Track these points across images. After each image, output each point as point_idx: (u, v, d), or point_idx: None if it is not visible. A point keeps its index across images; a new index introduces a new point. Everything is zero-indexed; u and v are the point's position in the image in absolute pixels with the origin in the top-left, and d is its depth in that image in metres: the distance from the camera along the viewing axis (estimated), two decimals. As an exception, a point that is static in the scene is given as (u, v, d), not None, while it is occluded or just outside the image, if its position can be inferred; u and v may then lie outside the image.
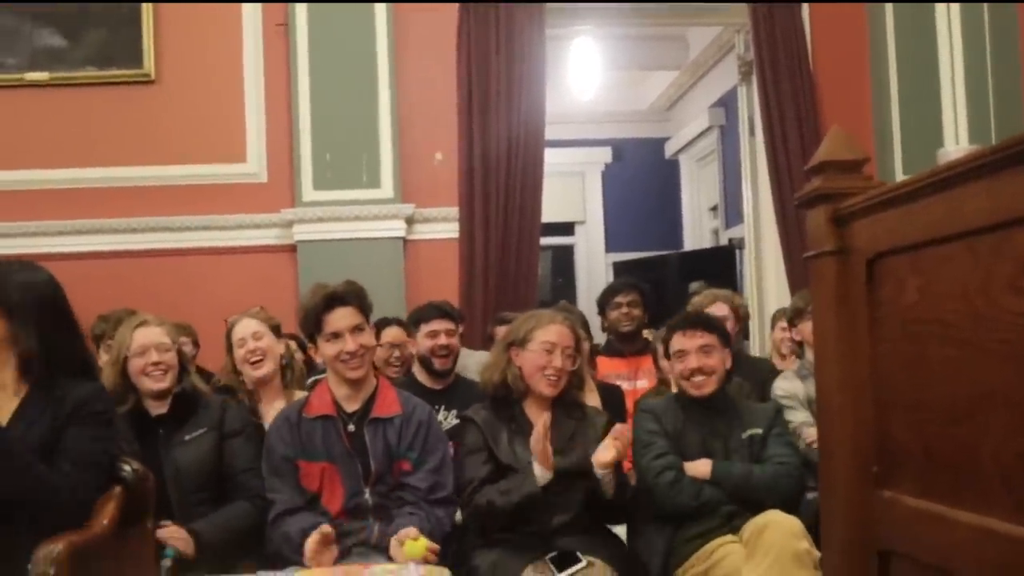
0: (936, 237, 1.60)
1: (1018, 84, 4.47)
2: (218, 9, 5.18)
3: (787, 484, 2.96)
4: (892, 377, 1.76)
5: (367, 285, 3.04)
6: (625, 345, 4.42)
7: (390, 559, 2.72)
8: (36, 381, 2.18)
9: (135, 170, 5.11)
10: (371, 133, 5.06)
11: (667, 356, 3.28)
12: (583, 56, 7.91)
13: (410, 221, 5.13)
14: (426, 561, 2.65)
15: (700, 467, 3.00)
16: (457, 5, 5.21)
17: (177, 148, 5.13)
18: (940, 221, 1.59)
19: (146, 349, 2.98)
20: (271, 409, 3.25)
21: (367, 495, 2.87)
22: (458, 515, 3.09)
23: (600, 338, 4.73)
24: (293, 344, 3.64)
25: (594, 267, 9.50)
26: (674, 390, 3.36)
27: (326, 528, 2.71)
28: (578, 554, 2.78)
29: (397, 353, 4.08)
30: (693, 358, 3.10)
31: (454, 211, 5.19)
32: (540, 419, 2.84)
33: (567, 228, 9.57)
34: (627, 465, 3.28)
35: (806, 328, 3.64)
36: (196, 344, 4.32)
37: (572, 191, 9.43)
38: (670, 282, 7.74)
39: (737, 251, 7.39)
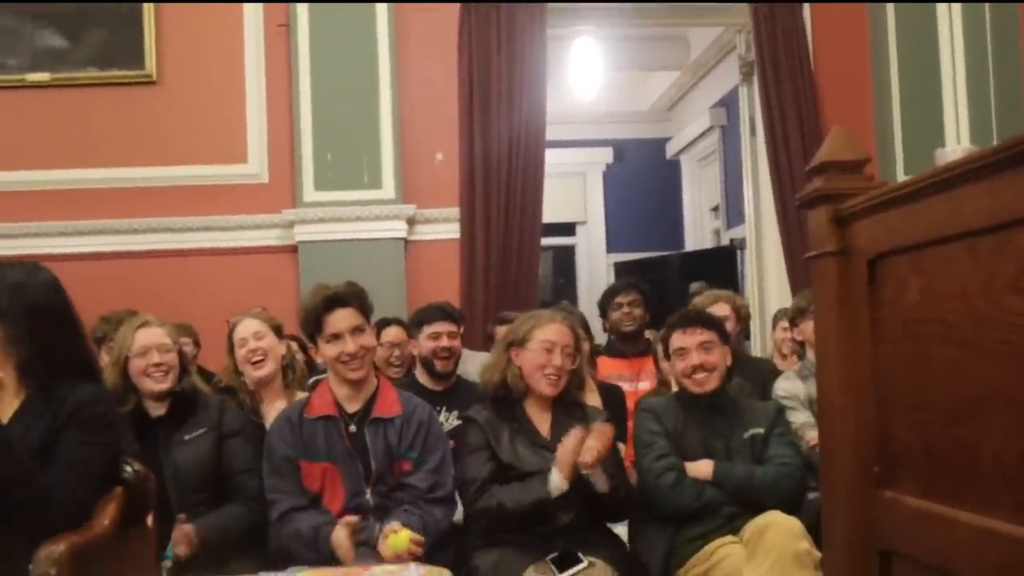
0: (937, 237, 1.60)
1: (1019, 84, 4.47)
2: (219, 9, 5.18)
3: (789, 485, 2.95)
4: (893, 377, 1.76)
5: (368, 286, 3.04)
6: (627, 346, 4.42)
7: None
8: (36, 384, 2.17)
9: (136, 171, 5.11)
10: (372, 134, 5.07)
11: (667, 356, 3.26)
12: (584, 56, 7.91)
13: (411, 222, 5.13)
14: (411, 553, 2.66)
15: (701, 468, 2.99)
16: (458, 5, 5.22)
17: (178, 149, 5.14)
18: (941, 221, 1.59)
19: (147, 350, 2.98)
20: (272, 409, 3.25)
21: (368, 495, 2.87)
22: (458, 515, 3.09)
23: (602, 339, 4.73)
24: (294, 345, 3.64)
25: (595, 267, 9.50)
26: (674, 390, 3.36)
27: (352, 519, 2.72)
28: (579, 554, 2.78)
29: (397, 353, 4.09)
30: (694, 355, 3.09)
31: (455, 211, 5.19)
32: (572, 431, 2.83)
33: (568, 228, 9.56)
34: (628, 463, 3.29)
35: (808, 328, 3.63)
36: (197, 344, 4.33)
37: (573, 191, 9.43)
38: (671, 282, 7.74)
39: (738, 251, 7.39)
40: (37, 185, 5.09)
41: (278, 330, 3.44)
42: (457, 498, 3.06)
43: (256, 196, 5.14)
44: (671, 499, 2.95)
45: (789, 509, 2.84)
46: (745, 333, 4.88)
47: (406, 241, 5.12)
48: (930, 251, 1.63)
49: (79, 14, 5.11)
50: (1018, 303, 1.41)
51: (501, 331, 3.78)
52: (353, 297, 2.94)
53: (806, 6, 5.45)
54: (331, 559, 2.75)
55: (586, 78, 8.26)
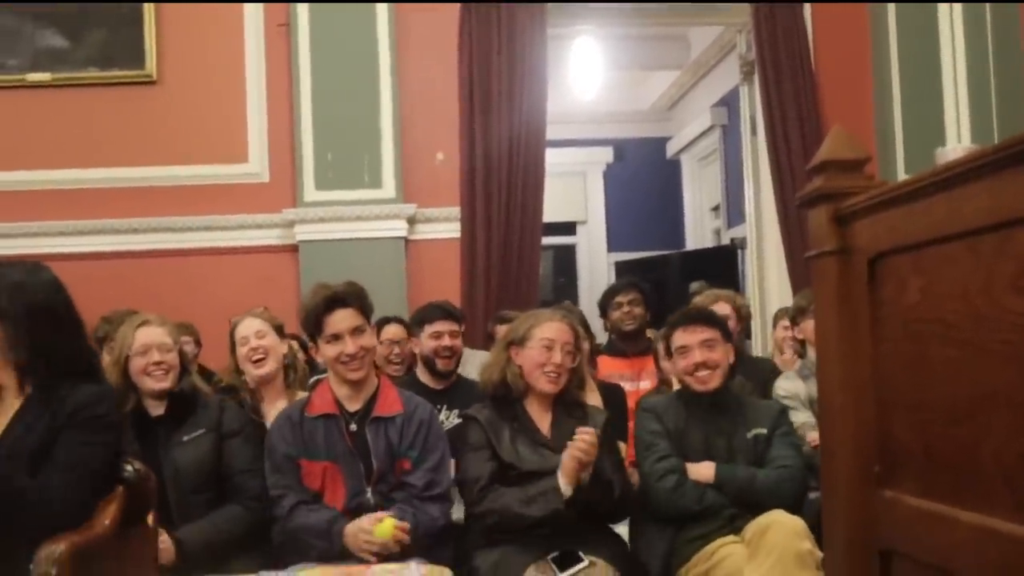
0: (938, 237, 1.60)
1: (1020, 84, 4.47)
2: (220, 9, 5.18)
3: (791, 489, 2.93)
4: (894, 377, 1.75)
5: (369, 285, 3.05)
6: (628, 345, 4.41)
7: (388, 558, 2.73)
8: (38, 384, 2.17)
9: (137, 171, 5.12)
10: (373, 133, 5.07)
11: (668, 354, 3.25)
12: (585, 56, 7.91)
13: (412, 221, 5.13)
14: (396, 539, 2.68)
15: (703, 470, 2.97)
16: (459, 5, 5.21)
17: (179, 148, 5.14)
18: (942, 221, 1.59)
19: (148, 349, 2.98)
20: (273, 409, 3.25)
21: (369, 494, 2.87)
22: (459, 513, 3.09)
23: (603, 338, 4.73)
24: (295, 344, 3.64)
25: (596, 267, 9.50)
26: (675, 388, 3.35)
27: (380, 515, 2.75)
28: (580, 554, 2.78)
29: (397, 350, 4.09)
30: (696, 353, 3.07)
31: (455, 211, 5.19)
32: (581, 433, 2.82)
33: (569, 228, 9.56)
34: (629, 462, 3.29)
35: (808, 327, 3.63)
36: (198, 343, 4.33)
37: (574, 191, 9.43)
38: (672, 282, 7.74)
39: (739, 251, 7.39)
40: (38, 185, 5.09)
41: (279, 329, 3.44)
42: (457, 497, 3.07)
43: (257, 196, 5.14)
44: (672, 502, 2.94)
45: (791, 511, 2.83)
46: (746, 332, 4.88)
47: (407, 240, 5.12)
48: (930, 250, 1.63)
49: (79, 14, 5.11)
50: (1019, 303, 1.40)
51: (501, 330, 3.78)
52: (353, 297, 2.94)
53: (806, 5, 5.45)
54: (340, 554, 2.76)
55: (586, 77, 8.26)
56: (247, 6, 5.20)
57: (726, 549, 2.82)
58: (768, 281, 5.93)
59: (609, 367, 4.32)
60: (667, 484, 2.94)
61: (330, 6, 5.09)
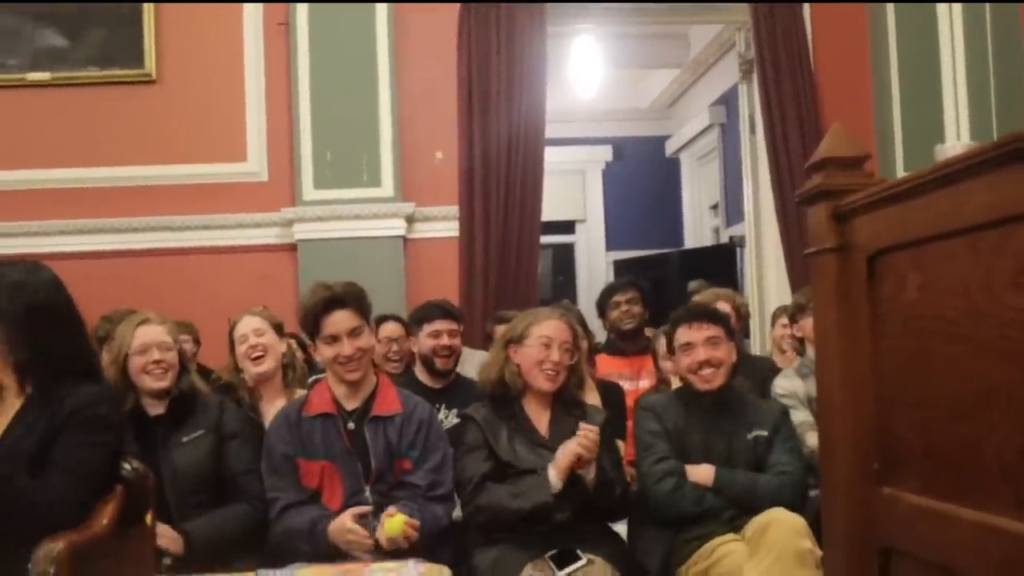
0: (937, 233, 1.60)
1: (1020, 82, 4.46)
2: (219, 9, 5.17)
3: (791, 495, 2.89)
4: (893, 374, 1.75)
5: (367, 284, 3.04)
6: (627, 344, 4.41)
7: (388, 557, 2.72)
8: (38, 384, 2.16)
9: (136, 169, 5.11)
10: (371, 132, 5.06)
11: (670, 351, 3.22)
12: (584, 54, 7.90)
13: (410, 220, 5.13)
14: (406, 535, 2.67)
15: (702, 473, 2.95)
16: (458, 4, 5.21)
17: (178, 147, 5.13)
18: (941, 217, 1.58)
19: (147, 347, 2.96)
20: (272, 408, 3.24)
21: (367, 494, 2.86)
22: (458, 512, 3.08)
23: (603, 337, 4.72)
24: (294, 343, 3.63)
25: (595, 265, 9.50)
26: (674, 387, 3.34)
27: (361, 508, 2.73)
28: (578, 552, 2.78)
29: (395, 348, 4.08)
30: (701, 350, 3.04)
31: (454, 210, 5.18)
32: (585, 429, 2.81)
33: (567, 226, 9.56)
34: (626, 462, 3.28)
35: (807, 324, 3.61)
36: (197, 342, 4.32)
37: (573, 189, 9.43)
38: (671, 280, 7.74)
39: (738, 249, 7.39)
40: (37, 184, 5.08)
41: (279, 328, 3.43)
42: (456, 496, 3.06)
43: (255, 194, 5.13)
44: (671, 505, 2.92)
45: (792, 511, 2.81)
46: (745, 331, 4.87)
47: (405, 239, 5.12)
48: (930, 247, 1.63)
49: (79, 14, 5.11)
50: (1019, 299, 1.40)
51: (500, 330, 3.77)
52: (351, 298, 2.92)
53: (806, 5, 5.44)
54: (328, 553, 2.75)
55: (586, 76, 8.25)
56: (246, 5, 5.19)
57: (726, 547, 2.81)
58: (767, 279, 5.92)
59: (608, 366, 4.31)
60: (666, 487, 2.92)
61: (329, 5, 5.08)
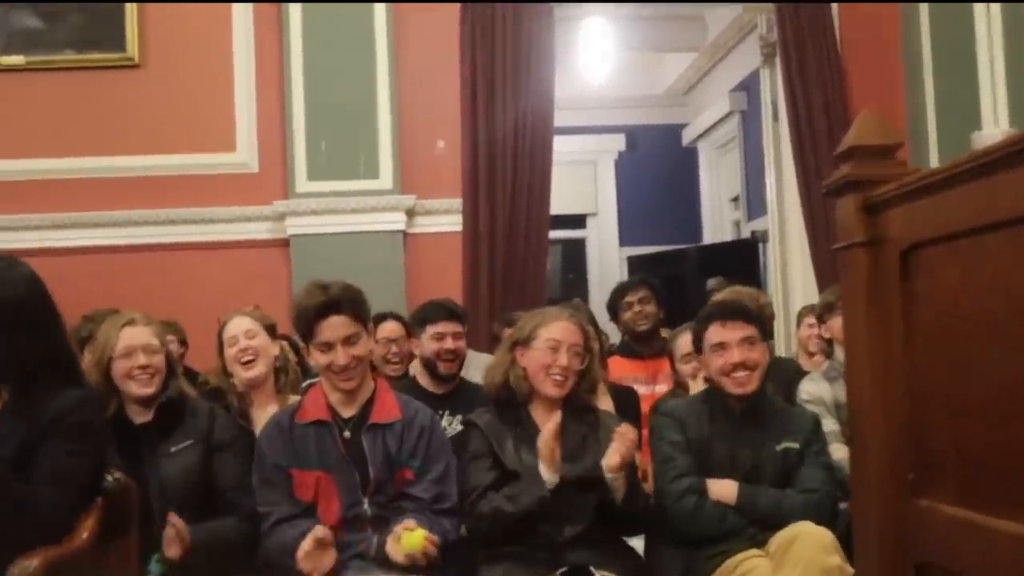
0: (975, 227, 1.59)
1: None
2: (206, -11, 5.18)
3: (819, 515, 2.83)
4: (929, 377, 1.74)
5: (365, 281, 3.03)
6: (642, 346, 4.39)
7: (389, 572, 2.71)
8: (15, 389, 2.15)
9: (117, 160, 5.12)
10: (369, 120, 5.06)
11: (697, 351, 3.16)
12: (594, 38, 7.90)
13: (410, 213, 5.13)
14: (425, 552, 2.66)
15: (725, 490, 2.91)
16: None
17: (163, 137, 5.14)
18: (979, 210, 1.57)
19: (132, 351, 2.94)
20: (263, 414, 3.24)
21: (365, 505, 2.86)
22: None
23: (617, 338, 4.71)
24: (287, 345, 3.63)
25: (607, 262, 9.50)
26: (695, 389, 3.31)
27: (321, 530, 2.70)
28: (591, 568, 2.77)
29: (395, 349, 4.06)
30: (735, 351, 2.96)
31: (457, 203, 5.18)
32: (551, 419, 2.83)
33: (578, 221, 9.58)
34: (643, 472, 3.26)
35: (836, 324, 3.59)
36: (184, 343, 4.33)
37: (583, 181, 9.43)
38: (689, 278, 7.74)
39: (760, 244, 7.38)
40: (11, 176, 5.09)
41: (271, 329, 3.42)
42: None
43: (245, 186, 5.14)
44: (691, 524, 2.89)
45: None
46: (768, 332, 4.86)
47: (405, 234, 5.12)
48: (968, 241, 1.62)
49: (57, -7, 5.12)
50: (1064, 296, 1.39)
51: (508, 333, 3.76)
52: (348, 303, 2.90)
53: (832, -18, 5.44)
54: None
55: (597, 61, 8.26)
56: (235, -15, 5.20)
57: (749, 563, 2.79)
58: (791, 276, 5.92)
59: (622, 369, 4.29)
60: (686, 506, 2.89)
61: (323, -15, 5.08)
